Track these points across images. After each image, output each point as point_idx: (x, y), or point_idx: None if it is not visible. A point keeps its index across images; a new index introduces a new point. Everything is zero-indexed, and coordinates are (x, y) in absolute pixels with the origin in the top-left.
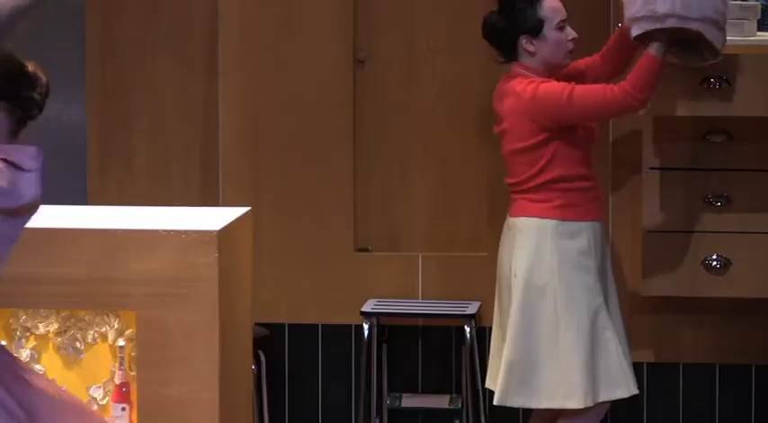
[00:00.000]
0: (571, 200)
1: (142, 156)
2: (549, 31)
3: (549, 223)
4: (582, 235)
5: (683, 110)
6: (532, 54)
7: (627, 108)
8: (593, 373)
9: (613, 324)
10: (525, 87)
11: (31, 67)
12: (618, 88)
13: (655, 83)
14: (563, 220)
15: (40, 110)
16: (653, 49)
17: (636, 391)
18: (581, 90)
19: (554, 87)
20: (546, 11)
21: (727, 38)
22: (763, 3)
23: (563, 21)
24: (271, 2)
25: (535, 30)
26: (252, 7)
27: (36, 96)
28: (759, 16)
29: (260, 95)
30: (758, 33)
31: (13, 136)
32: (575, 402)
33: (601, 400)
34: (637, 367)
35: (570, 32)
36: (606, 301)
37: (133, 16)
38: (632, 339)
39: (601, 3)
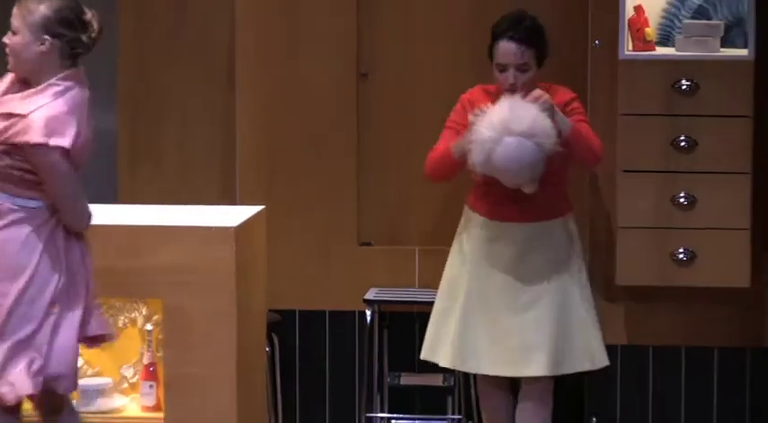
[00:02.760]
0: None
1: (168, 160)
2: (494, 67)
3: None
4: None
5: (653, 109)
6: None
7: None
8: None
9: (573, 309)
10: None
11: (89, 15)
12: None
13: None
14: (473, 211)
15: (89, 49)
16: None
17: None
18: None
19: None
20: (496, 49)
21: (695, 53)
22: (727, 21)
23: (503, 65)
24: (281, 23)
25: (490, 56)
26: (265, 28)
27: (86, 39)
28: (722, 34)
29: (273, 106)
30: (721, 49)
31: (65, 69)
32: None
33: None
34: (611, 349)
35: (508, 78)
36: (565, 290)
37: (160, 36)
38: (608, 324)
39: (578, 20)
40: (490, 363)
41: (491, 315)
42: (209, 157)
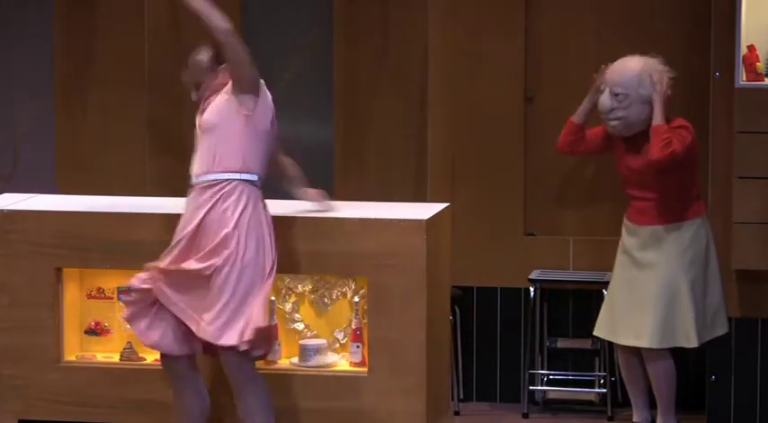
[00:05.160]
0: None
1: (372, 166)
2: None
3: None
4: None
5: (763, 128)
6: None
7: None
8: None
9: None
10: None
11: None
12: None
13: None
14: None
15: None
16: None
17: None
18: None
19: None
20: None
21: None
22: None
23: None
24: (465, 53)
25: None
26: (452, 61)
27: None
28: None
29: (456, 123)
30: None
31: None
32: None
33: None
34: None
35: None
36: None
37: (367, 61)
38: (725, 300)
39: (703, 57)
40: (614, 333)
41: (615, 297)
42: (404, 164)
